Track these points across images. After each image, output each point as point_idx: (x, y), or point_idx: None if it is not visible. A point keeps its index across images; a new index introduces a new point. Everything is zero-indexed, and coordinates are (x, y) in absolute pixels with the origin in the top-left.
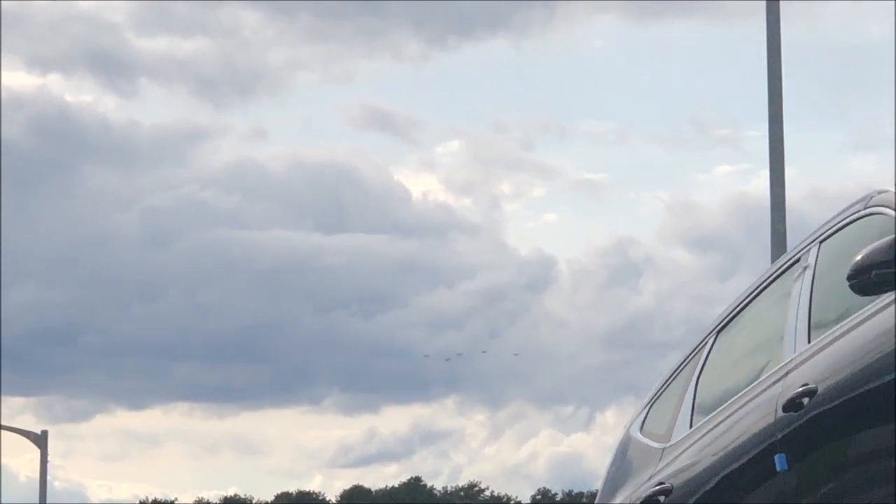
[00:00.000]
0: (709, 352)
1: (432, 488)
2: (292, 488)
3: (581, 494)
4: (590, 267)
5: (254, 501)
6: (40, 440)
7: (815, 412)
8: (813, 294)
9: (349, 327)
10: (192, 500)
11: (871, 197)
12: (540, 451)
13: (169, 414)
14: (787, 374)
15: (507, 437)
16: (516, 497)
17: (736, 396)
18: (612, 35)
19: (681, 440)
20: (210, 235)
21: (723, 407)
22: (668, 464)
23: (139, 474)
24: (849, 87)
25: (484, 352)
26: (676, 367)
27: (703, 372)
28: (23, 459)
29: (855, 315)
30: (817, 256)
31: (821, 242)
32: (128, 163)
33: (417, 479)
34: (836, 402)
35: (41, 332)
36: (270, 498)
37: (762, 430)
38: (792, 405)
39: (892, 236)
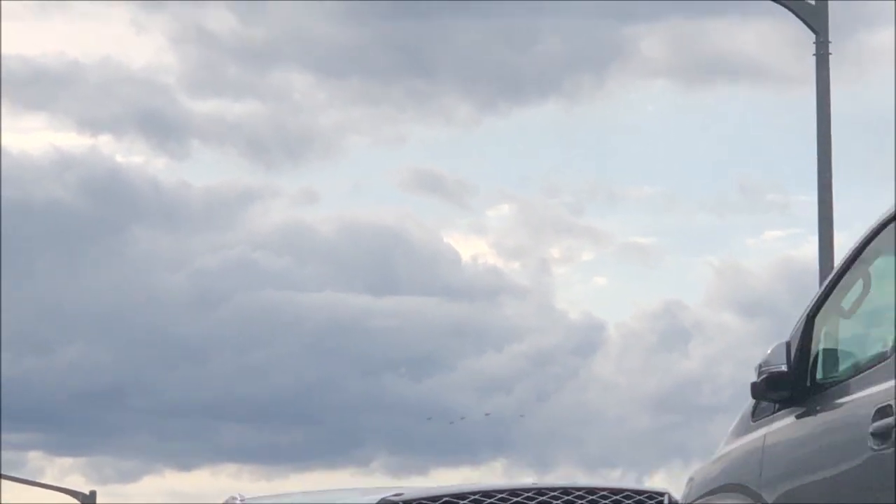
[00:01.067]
0: None
1: None
2: None
3: None
4: (638, 331)
5: None
6: (89, 500)
7: None
8: None
9: (398, 389)
10: None
11: None
12: None
13: (217, 475)
14: None
15: None
16: None
17: None
18: (663, 100)
19: None
20: (260, 297)
21: None
22: None
23: None
24: None
25: (522, 416)
26: None
27: None
28: None
29: None
30: None
31: None
32: (178, 224)
33: None
34: None
35: (90, 393)
36: None
37: None
38: None
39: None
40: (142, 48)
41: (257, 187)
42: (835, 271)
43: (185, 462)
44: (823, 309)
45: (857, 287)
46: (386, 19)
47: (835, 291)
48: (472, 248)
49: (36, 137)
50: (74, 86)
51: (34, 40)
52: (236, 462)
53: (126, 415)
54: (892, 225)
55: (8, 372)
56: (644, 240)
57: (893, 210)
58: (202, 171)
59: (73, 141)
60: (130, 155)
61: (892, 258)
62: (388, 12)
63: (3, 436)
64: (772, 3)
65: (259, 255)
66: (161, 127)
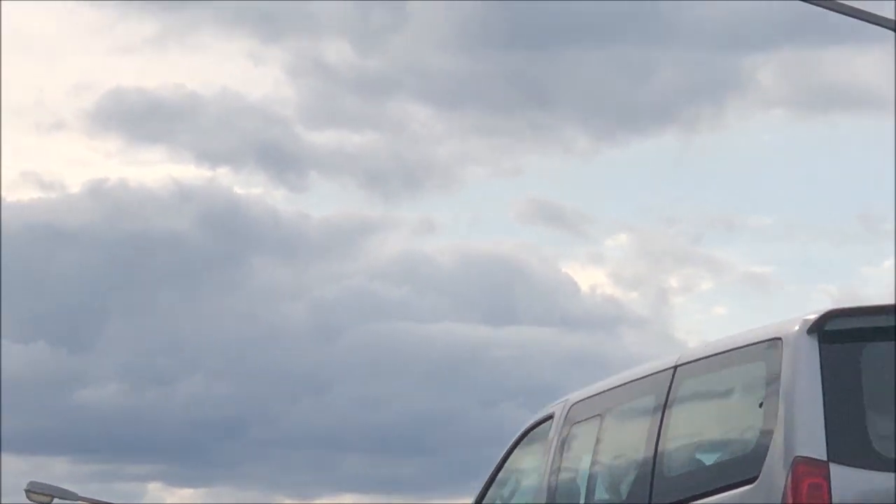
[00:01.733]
0: None
1: None
2: None
3: None
4: None
5: None
6: None
7: None
8: None
9: (516, 420)
10: None
11: None
12: None
13: None
14: None
15: None
16: None
17: None
18: (781, 129)
19: None
20: (378, 327)
21: None
22: None
23: None
24: None
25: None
26: None
27: None
28: None
29: None
30: None
31: None
32: (296, 255)
33: None
34: None
35: (210, 424)
36: None
37: None
38: None
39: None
40: (260, 80)
41: (376, 218)
42: (494, 467)
43: (305, 493)
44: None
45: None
46: (503, 50)
47: (492, 487)
48: (590, 278)
49: (155, 170)
50: (193, 118)
51: (152, 73)
52: (356, 492)
53: (246, 446)
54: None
55: (128, 403)
56: (762, 269)
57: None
58: (320, 202)
59: (191, 173)
60: (249, 187)
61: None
62: (506, 43)
63: (124, 468)
64: (889, 30)
65: (377, 285)
66: (279, 158)
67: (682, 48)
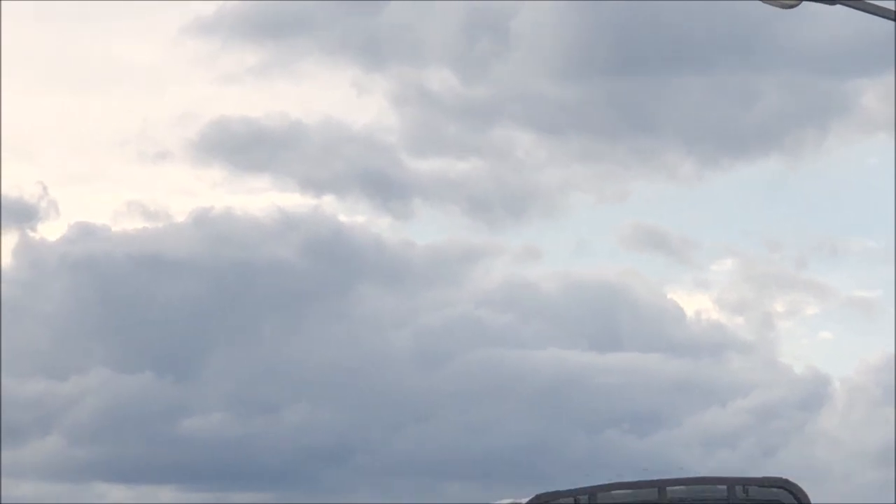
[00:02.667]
0: None
1: None
2: None
3: None
4: (863, 385)
5: None
6: None
7: None
8: None
9: (622, 446)
10: None
11: None
12: None
13: None
14: None
15: None
16: None
17: None
18: (884, 153)
19: None
20: (483, 355)
21: None
22: None
23: None
24: None
25: (645, 468)
26: None
27: None
28: None
29: None
30: None
31: None
32: (402, 283)
33: None
34: None
35: (315, 452)
36: None
37: None
38: None
39: None
40: (364, 108)
41: (480, 245)
42: None
43: None
44: None
45: None
46: (607, 76)
47: None
48: (695, 303)
49: (260, 199)
50: (297, 147)
51: (257, 102)
52: None
53: (352, 473)
54: None
55: (234, 432)
56: (868, 293)
57: None
58: (425, 230)
59: (296, 201)
60: (354, 214)
61: None
62: (609, 69)
63: (230, 496)
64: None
65: (482, 312)
66: (384, 186)
67: (786, 73)
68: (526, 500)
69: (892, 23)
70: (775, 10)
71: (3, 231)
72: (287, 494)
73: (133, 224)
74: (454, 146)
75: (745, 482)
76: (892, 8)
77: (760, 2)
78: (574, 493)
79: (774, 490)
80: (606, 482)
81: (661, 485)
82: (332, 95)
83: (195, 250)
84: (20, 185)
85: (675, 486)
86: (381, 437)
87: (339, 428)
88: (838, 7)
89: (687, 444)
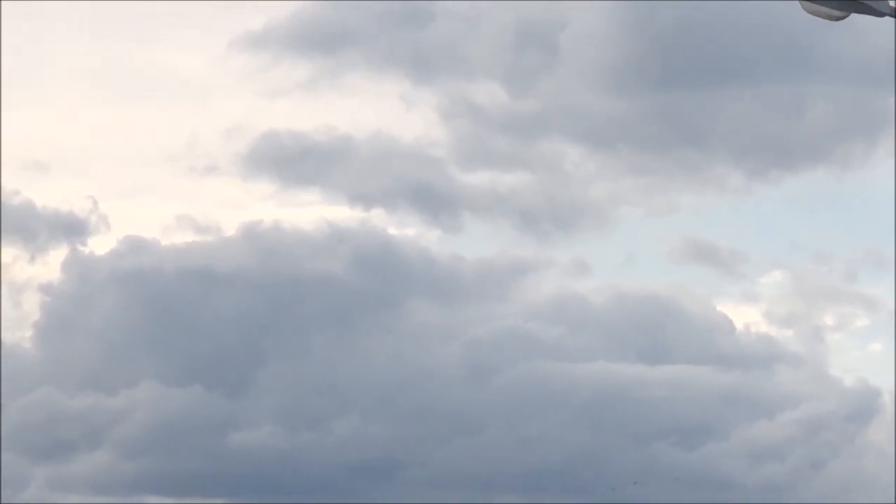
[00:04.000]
0: None
1: None
2: None
3: None
4: None
5: None
6: None
7: None
8: None
9: (670, 458)
10: None
11: None
12: None
13: None
14: None
15: None
16: None
17: None
18: None
19: None
20: (533, 367)
21: None
22: None
23: None
24: None
25: (677, 478)
26: None
27: None
28: None
29: None
30: None
31: None
32: (451, 296)
33: None
34: None
35: (364, 465)
36: None
37: None
38: None
39: None
40: (412, 122)
41: (529, 258)
42: None
43: None
44: None
45: None
46: (655, 90)
47: None
48: (744, 316)
49: (309, 212)
50: (346, 160)
51: (305, 116)
52: None
53: (400, 486)
54: None
55: (283, 444)
56: None
57: None
58: (474, 243)
59: (345, 215)
60: (403, 228)
61: None
62: (657, 83)
63: None
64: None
65: (532, 326)
66: (433, 199)
67: (834, 86)
68: None
69: None
70: (824, 22)
71: (53, 246)
72: None
73: (182, 238)
74: (502, 159)
75: None
76: None
77: (809, 15)
78: None
79: None
80: None
81: None
82: (381, 109)
83: (244, 264)
84: (70, 199)
85: None
86: (430, 451)
87: (388, 441)
88: (887, 19)
89: (735, 457)
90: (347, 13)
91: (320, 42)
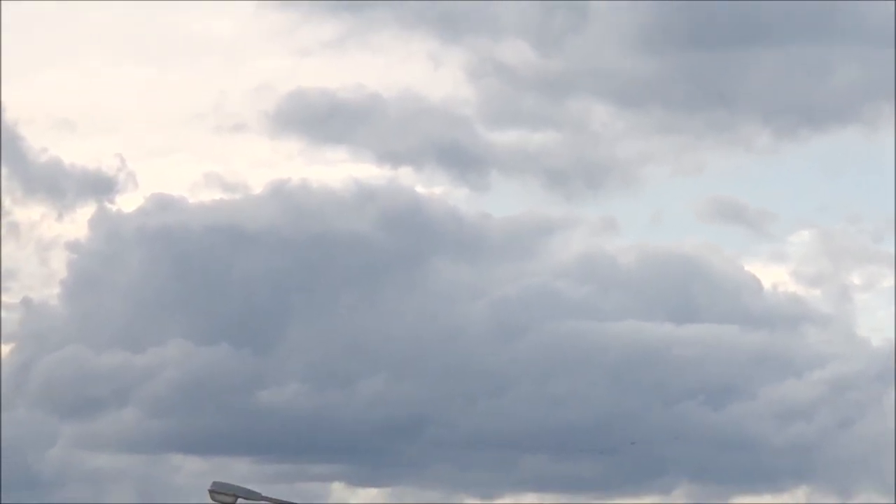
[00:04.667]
0: None
1: None
2: None
3: None
4: None
5: None
6: None
7: None
8: None
9: (698, 418)
10: None
11: None
12: None
13: None
14: None
15: None
16: None
17: None
18: None
19: None
20: (560, 327)
21: None
22: None
23: None
24: None
25: (633, 443)
26: None
27: None
28: None
29: None
30: None
31: None
32: (478, 254)
33: None
34: None
35: (392, 424)
36: None
37: None
38: None
39: None
40: (440, 81)
41: (558, 217)
42: None
43: (487, 492)
44: None
45: None
46: (683, 50)
47: None
48: (772, 275)
49: (337, 170)
50: (374, 119)
51: (333, 74)
52: (537, 492)
53: (428, 445)
54: None
55: (310, 404)
56: None
57: None
58: (502, 202)
59: (373, 173)
60: (431, 186)
61: None
62: (686, 43)
63: (307, 468)
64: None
65: (560, 284)
66: (461, 158)
67: (862, 46)
68: None
69: None
70: None
71: (81, 204)
72: (364, 466)
73: (210, 196)
74: (530, 118)
75: None
76: None
77: None
78: None
79: None
80: None
81: None
82: (409, 68)
83: (272, 222)
84: (99, 157)
85: None
86: (458, 410)
87: (415, 400)
88: None
89: (762, 416)
90: None
91: (348, 1)
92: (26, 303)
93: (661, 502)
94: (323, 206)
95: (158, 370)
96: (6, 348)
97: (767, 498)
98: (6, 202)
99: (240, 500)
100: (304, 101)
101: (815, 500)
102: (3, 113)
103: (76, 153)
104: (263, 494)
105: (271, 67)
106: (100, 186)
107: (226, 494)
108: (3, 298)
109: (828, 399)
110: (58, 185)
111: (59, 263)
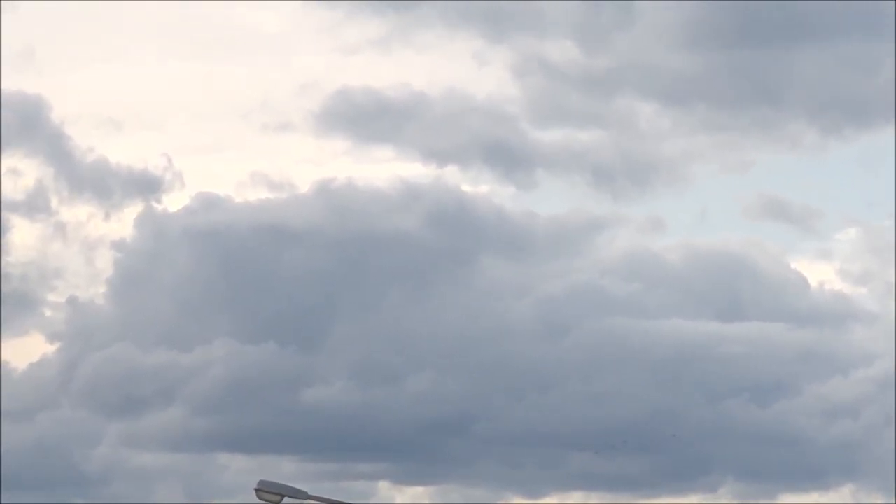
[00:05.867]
0: None
1: None
2: None
3: None
4: None
5: None
6: None
7: None
8: None
9: (744, 416)
10: None
11: None
12: None
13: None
14: None
15: None
16: None
17: None
18: None
19: None
20: (606, 324)
21: None
22: None
23: None
24: None
25: (624, 442)
26: None
27: None
28: None
29: None
30: None
31: None
32: (524, 253)
33: None
34: None
35: (438, 422)
36: None
37: None
38: None
39: None
40: (485, 79)
41: (604, 215)
42: None
43: (533, 491)
44: None
45: None
46: (730, 47)
47: None
48: (819, 273)
49: (382, 169)
50: (420, 117)
51: (379, 73)
52: (584, 489)
53: (473, 443)
54: None
55: (356, 402)
56: None
57: None
58: (548, 200)
59: (419, 171)
60: (477, 185)
61: None
62: (732, 41)
63: (353, 466)
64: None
65: (606, 282)
66: (506, 157)
67: None
68: None
69: None
70: None
71: (127, 203)
72: (410, 464)
73: (256, 194)
74: (576, 116)
75: None
76: None
77: None
78: None
79: None
80: None
81: None
82: (455, 66)
83: (318, 221)
84: (145, 156)
85: None
86: (503, 407)
87: (461, 398)
88: None
89: (808, 414)
90: None
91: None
92: (72, 302)
93: (707, 501)
94: (368, 205)
95: (204, 369)
96: (53, 347)
97: (813, 496)
98: (53, 202)
99: (286, 499)
100: (349, 100)
101: (861, 499)
102: (50, 112)
103: (122, 152)
104: (309, 493)
105: (317, 65)
106: (146, 185)
107: (272, 493)
108: (50, 297)
109: (874, 397)
110: (104, 185)
111: (106, 263)
